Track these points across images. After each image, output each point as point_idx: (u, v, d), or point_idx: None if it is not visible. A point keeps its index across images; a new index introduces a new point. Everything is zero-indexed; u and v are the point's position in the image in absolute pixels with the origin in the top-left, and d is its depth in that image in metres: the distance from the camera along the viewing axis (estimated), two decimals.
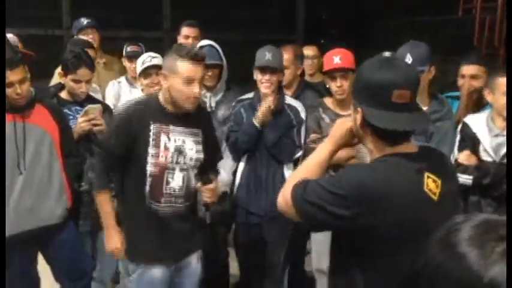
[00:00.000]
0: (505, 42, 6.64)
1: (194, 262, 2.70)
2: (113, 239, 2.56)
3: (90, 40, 4.06)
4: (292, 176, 1.71)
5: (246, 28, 6.81)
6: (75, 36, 4.18)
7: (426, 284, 0.89)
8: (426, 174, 1.53)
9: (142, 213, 2.51)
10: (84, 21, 4.26)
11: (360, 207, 1.46)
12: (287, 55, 3.43)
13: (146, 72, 3.38)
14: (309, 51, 4.24)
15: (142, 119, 2.46)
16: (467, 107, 3.12)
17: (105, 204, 2.57)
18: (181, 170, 2.53)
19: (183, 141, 2.52)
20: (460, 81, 3.20)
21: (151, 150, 2.45)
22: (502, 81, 2.65)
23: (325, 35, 6.23)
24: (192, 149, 2.54)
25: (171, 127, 2.49)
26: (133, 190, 2.51)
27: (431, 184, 1.53)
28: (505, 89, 2.61)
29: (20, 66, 2.60)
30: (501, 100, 2.65)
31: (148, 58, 3.42)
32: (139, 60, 3.48)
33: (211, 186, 2.60)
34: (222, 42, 3.45)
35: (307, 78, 4.15)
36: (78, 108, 3.08)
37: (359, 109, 1.56)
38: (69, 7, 7.07)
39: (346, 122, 1.70)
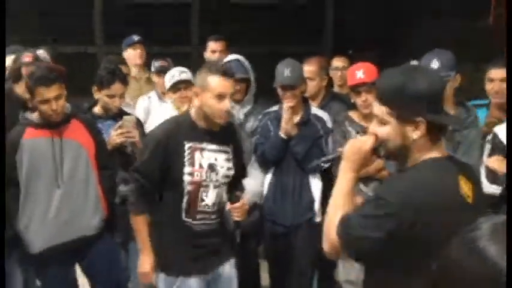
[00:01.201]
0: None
1: (227, 270, 2.72)
2: (145, 264, 2.59)
3: (137, 55, 4.34)
4: (327, 217, 1.67)
5: (273, 41, 6.84)
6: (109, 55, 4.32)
7: (443, 280, 0.89)
8: (460, 177, 1.56)
9: (177, 229, 2.56)
10: (135, 38, 4.43)
11: (408, 218, 1.46)
12: (312, 67, 3.48)
13: (175, 87, 3.43)
14: (338, 62, 4.25)
15: (176, 139, 2.51)
16: (499, 109, 3.09)
17: (142, 228, 2.58)
18: (215, 187, 2.58)
19: (215, 159, 2.57)
20: (489, 86, 3.16)
21: (187, 169, 2.50)
22: None
23: (353, 46, 6.19)
24: (223, 167, 2.59)
25: (204, 144, 2.54)
26: (169, 207, 2.55)
27: (465, 187, 1.55)
28: None
29: (56, 83, 2.70)
30: None
31: (177, 73, 3.48)
32: (168, 75, 3.55)
33: (239, 204, 2.64)
34: (249, 56, 3.49)
35: (336, 89, 4.15)
36: (110, 122, 3.17)
37: (419, 119, 1.55)
38: (102, 24, 7.22)
39: (362, 143, 1.67)
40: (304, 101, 3.27)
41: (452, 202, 1.52)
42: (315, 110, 3.29)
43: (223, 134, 2.60)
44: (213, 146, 2.57)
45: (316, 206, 3.19)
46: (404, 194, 1.50)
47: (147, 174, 2.52)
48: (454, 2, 6.79)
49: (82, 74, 3.77)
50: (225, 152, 2.62)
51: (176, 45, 6.93)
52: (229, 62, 3.34)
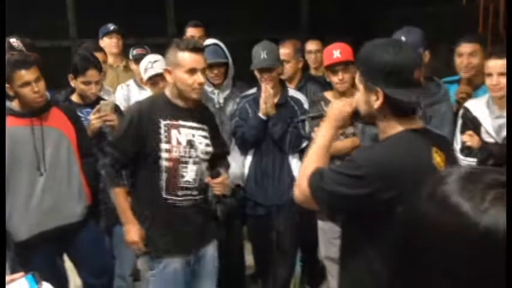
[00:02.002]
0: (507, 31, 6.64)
1: (211, 251, 2.78)
2: (132, 234, 2.63)
3: (113, 44, 4.33)
4: (302, 167, 1.76)
5: (249, 27, 6.87)
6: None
7: (415, 238, 0.87)
8: (433, 148, 1.61)
9: (158, 207, 2.59)
10: (111, 26, 4.44)
11: (377, 184, 1.52)
12: (287, 50, 3.55)
13: (152, 80, 3.44)
14: (312, 45, 4.30)
15: (151, 116, 2.55)
16: (468, 84, 3.18)
17: (122, 200, 2.63)
18: (194, 163, 2.62)
19: (193, 135, 2.61)
20: (458, 60, 3.23)
21: (164, 146, 2.54)
22: (489, 63, 2.76)
23: (329, 31, 6.26)
24: (202, 143, 2.64)
25: (181, 122, 2.59)
26: (149, 185, 2.59)
27: (438, 158, 1.61)
28: (495, 70, 2.71)
29: (34, 65, 2.71)
30: (488, 81, 2.76)
31: (149, 65, 3.47)
32: (142, 65, 3.54)
33: (219, 179, 2.68)
34: (226, 42, 3.51)
35: (312, 71, 4.21)
36: (89, 110, 3.18)
37: (379, 90, 1.62)
38: (75, 17, 7.15)
39: (344, 105, 1.76)
40: (281, 83, 3.33)
41: (424, 172, 1.55)
42: (291, 91, 3.35)
43: (199, 112, 2.65)
44: (190, 123, 2.61)
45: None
46: (375, 162, 1.56)
47: (121, 149, 2.58)
48: None
49: (57, 68, 3.73)
50: (202, 129, 2.66)
51: (153, 36, 6.91)
52: (207, 46, 3.37)
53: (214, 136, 2.76)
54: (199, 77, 2.51)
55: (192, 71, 2.50)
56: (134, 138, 2.55)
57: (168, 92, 2.62)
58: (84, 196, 2.94)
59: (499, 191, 0.81)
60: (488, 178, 0.83)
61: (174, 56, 2.51)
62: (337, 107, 1.78)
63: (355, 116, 1.77)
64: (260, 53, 3.17)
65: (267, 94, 3.13)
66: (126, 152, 2.58)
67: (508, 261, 0.77)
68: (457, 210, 0.81)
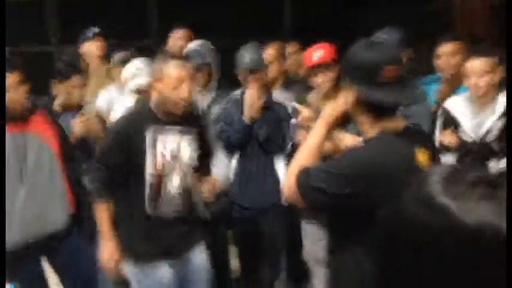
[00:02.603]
0: (489, 29, 6.75)
1: (197, 255, 2.75)
2: (107, 252, 2.61)
3: (97, 48, 4.20)
4: (292, 163, 1.78)
5: (231, 31, 6.88)
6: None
7: (402, 239, 0.88)
8: (417, 148, 1.63)
9: (141, 218, 2.57)
10: (94, 30, 4.37)
11: (360, 184, 1.55)
12: (271, 51, 3.54)
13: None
14: (293, 48, 4.30)
15: (136, 128, 2.52)
16: (448, 83, 3.22)
17: (103, 216, 2.60)
18: (179, 173, 2.61)
19: (178, 145, 2.59)
20: (438, 60, 3.26)
21: (148, 158, 2.52)
22: (468, 63, 2.80)
23: (311, 34, 6.30)
24: (187, 151, 2.62)
25: (165, 133, 2.57)
26: (133, 197, 2.57)
27: (421, 157, 1.63)
28: (470, 70, 2.76)
29: (15, 70, 2.67)
30: (467, 81, 2.80)
31: (136, 72, 3.40)
32: (127, 71, 3.51)
33: (207, 184, 2.67)
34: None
35: (291, 74, 4.21)
36: (72, 115, 3.15)
37: (353, 87, 1.66)
38: (56, 22, 7.10)
39: (337, 105, 1.78)
40: (266, 86, 3.33)
41: (406, 173, 1.58)
42: (275, 94, 3.37)
43: (186, 120, 2.63)
44: (175, 133, 2.59)
45: (282, 188, 3.27)
46: (357, 163, 1.59)
47: (107, 163, 2.55)
48: None
49: (39, 73, 3.70)
50: (188, 133, 2.64)
51: (135, 39, 6.88)
52: (193, 47, 3.38)
53: (202, 139, 2.75)
54: (184, 92, 2.49)
55: (176, 86, 2.48)
56: (120, 151, 2.52)
57: (152, 102, 2.59)
58: (67, 203, 2.91)
59: (482, 189, 0.82)
60: (470, 177, 0.85)
61: (159, 70, 2.50)
62: (331, 108, 1.80)
63: (348, 117, 1.79)
64: (246, 54, 3.19)
65: (252, 98, 3.14)
66: (112, 165, 2.55)
67: (508, 262, 0.79)
68: (445, 211, 0.82)
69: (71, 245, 2.93)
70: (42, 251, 2.91)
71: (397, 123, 1.70)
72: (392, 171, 1.53)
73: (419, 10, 6.98)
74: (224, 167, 3.34)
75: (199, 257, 2.76)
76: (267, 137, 3.20)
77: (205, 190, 2.70)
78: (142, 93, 3.35)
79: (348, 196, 1.56)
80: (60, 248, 2.91)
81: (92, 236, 3.16)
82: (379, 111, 1.66)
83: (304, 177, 1.65)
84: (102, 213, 2.60)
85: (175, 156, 2.58)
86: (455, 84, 3.21)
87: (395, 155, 1.59)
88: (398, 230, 0.89)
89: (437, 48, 3.29)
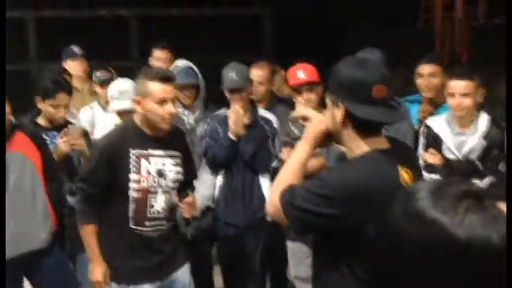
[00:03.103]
0: (466, 47, 6.93)
1: (181, 275, 2.71)
2: (97, 273, 2.55)
3: (78, 67, 4.29)
4: (276, 181, 1.76)
5: (213, 50, 6.93)
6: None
7: (395, 257, 0.88)
8: (400, 167, 1.63)
9: (126, 237, 2.54)
10: (74, 48, 4.38)
11: (345, 206, 1.54)
12: (260, 71, 3.57)
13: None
14: (277, 67, 4.34)
15: (121, 147, 2.50)
16: (429, 103, 3.28)
17: (91, 238, 2.55)
18: (164, 192, 2.58)
19: (163, 164, 2.57)
20: (419, 81, 3.33)
21: (133, 176, 2.49)
22: (451, 84, 2.86)
23: (291, 55, 6.41)
24: (172, 171, 2.60)
25: (150, 151, 2.54)
26: (117, 215, 2.53)
27: (405, 176, 1.63)
28: (457, 91, 2.81)
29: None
30: (450, 101, 2.85)
31: (117, 94, 3.38)
32: (109, 92, 3.47)
33: (189, 200, 2.65)
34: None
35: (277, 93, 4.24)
36: (55, 133, 3.12)
37: (340, 105, 1.64)
38: (36, 41, 7.08)
39: (321, 123, 1.77)
40: (251, 103, 3.35)
41: (392, 192, 1.58)
42: (262, 112, 3.38)
43: (171, 139, 2.61)
44: (160, 152, 2.57)
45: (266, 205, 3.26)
46: (343, 185, 1.57)
47: (93, 183, 2.51)
48: (383, 13, 7.15)
49: (17, 91, 3.63)
50: (173, 156, 2.62)
51: (116, 60, 6.88)
52: (179, 67, 3.39)
53: (187, 161, 2.73)
54: (170, 107, 2.47)
55: (162, 101, 2.46)
56: (106, 170, 2.49)
57: (137, 120, 2.56)
58: (49, 221, 2.85)
59: (469, 201, 0.84)
60: (455, 190, 0.86)
61: (144, 86, 2.47)
62: (314, 126, 1.78)
63: (331, 135, 1.78)
64: (230, 74, 3.20)
65: (236, 115, 3.15)
66: (98, 185, 2.51)
67: (508, 262, 0.80)
68: (435, 225, 0.83)
69: (52, 263, 2.87)
70: (23, 269, 2.84)
71: (382, 141, 1.70)
72: (379, 192, 1.52)
73: (400, 32, 7.13)
74: (208, 185, 3.32)
75: (184, 277, 2.72)
76: (253, 154, 3.20)
77: (186, 208, 2.66)
78: (125, 114, 3.30)
79: (333, 217, 1.55)
80: (42, 266, 2.85)
81: (74, 254, 3.11)
82: (366, 129, 1.65)
83: (289, 196, 1.62)
84: (89, 235, 2.55)
85: (161, 173, 2.56)
86: (436, 103, 3.29)
87: (381, 176, 1.58)
88: (388, 246, 0.90)
89: (418, 69, 3.36)
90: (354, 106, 1.61)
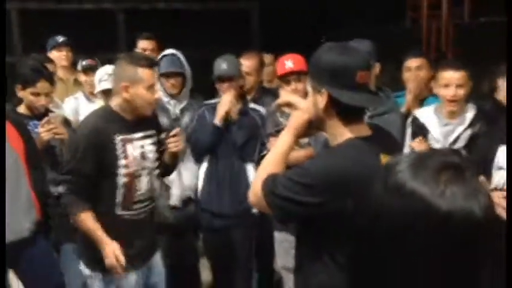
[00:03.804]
0: (451, 45, 7.01)
1: (157, 262, 2.76)
2: (111, 254, 2.46)
3: (63, 57, 4.27)
4: (259, 170, 1.77)
5: (200, 43, 6.90)
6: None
7: (375, 231, 0.87)
8: (382, 155, 1.62)
9: (113, 224, 2.51)
10: (60, 38, 4.36)
11: (327, 194, 1.53)
12: (250, 62, 3.59)
13: (105, 92, 3.36)
14: (266, 59, 4.34)
15: (106, 133, 2.48)
16: (416, 96, 3.33)
17: (91, 223, 2.49)
18: (147, 174, 2.60)
19: (142, 146, 2.58)
20: (406, 74, 3.43)
21: (121, 162, 2.49)
22: (445, 75, 2.88)
23: (281, 49, 6.41)
24: (152, 151, 2.62)
25: (132, 135, 2.55)
26: (104, 202, 2.51)
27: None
28: (452, 82, 2.83)
29: None
30: (444, 92, 2.87)
31: (105, 76, 3.38)
32: (97, 76, 3.48)
33: (176, 131, 2.69)
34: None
35: (265, 84, 4.24)
36: (36, 122, 3.07)
37: (323, 91, 1.63)
38: (20, 33, 6.99)
39: (303, 113, 1.76)
40: (242, 95, 3.35)
41: (373, 179, 1.58)
42: (251, 104, 3.39)
43: (146, 119, 2.62)
44: (140, 134, 2.58)
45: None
46: (324, 172, 1.57)
47: (82, 173, 2.46)
48: (371, 10, 7.19)
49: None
50: (150, 136, 2.63)
51: (104, 53, 6.81)
52: (164, 55, 3.37)
53: (161, 140, 2.73)
54: (156, 92, 2.53)
55: (150, 87, 2.49)
56: (93, 158, 2.45)
57: (115, 105, 2.54)
58: (33, 210, 2.82)
59: (449, 172, 0.83)
60: (436, 162, 0.85)
61: (133, 72, 2.46)
62: (297, 115, 1.78)
63: (313, 125, 1.77)
64: (221, 63, 3.21)
65: (226, 101, 3.15)
66: (87, 174, 2.46)
67: (508, 259, 0.79)
68: (415, 196, 0.82)
69: (36, 252, 2.83)
70: (7, 260, 2.77)
71: (365, 129, 1.70)
72: (359, 179, 1.48)
73: (389, 29, 7.18)
74: (192, 172, 3.32)
75: (159, 263, 2.77)
76: (244, 142, 3.20)
77: (173, 141, 2.68)
78: (109, 96, 3.27)
79: (314, 205, 1.55)
80: (26, 256, 2.81)
81: (58, 244, 3.07)
82: (349, 115, 1.65)
83: (271, 185, 1.62)
84: (89, 221, 2.49)
85: (143, 156, 2.57)
86: (421, 96, 3.36)
87: (362, 163, 1.57)
88: (368, 223, 0.88)
89: (406, 63, 3.44)
90: (338, 92, 1.60)
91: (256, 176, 1.75)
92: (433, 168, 0.84)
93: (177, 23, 7.31)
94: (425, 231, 0.81)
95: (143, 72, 2.46)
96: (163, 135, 2.77)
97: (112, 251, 2.46)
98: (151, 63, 2.52)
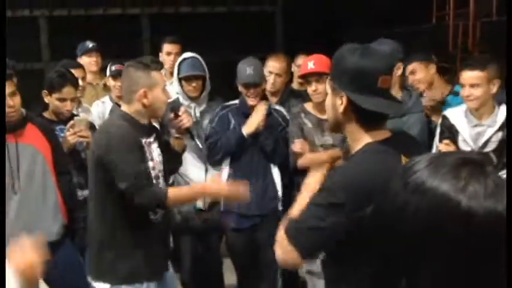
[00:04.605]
0: (479, 45, 6.88)
1: (171, 269, 2.73)
2: (230, 189, 2.51)
3: (93, 62, 4.33)
4: (278, 233, 1.65)
5: (224, 46, 6.93)
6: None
7: (398, 231, 0.86)
8: (402, 156, 1.56)
9: (145, 229, 2.49)
10: (89, 44, 4.42)
11: (355, 206, 1.46)
12: (279, 64, 3.57)
13: None
14: (300, 60, 4.29)
15: (135, 136, 2.47)
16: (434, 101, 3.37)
17: (181, 191, 2.60)
18: (162, 176, 2.60)
19: (156, 149, 2.59)
20: (410, 78, 3.52)
21: (150, 164, 2.50)
22: (461, 75, 2.88)
23: (303, 50, 6.40)
24: (160, 154, 2.61)
25: (149, 139, 2.56)
26: (134, 208, 2.42)
27: None
28: (467, 81, 2.83)
29: (9, 79, 2.62)
30: (463, 92, 2.86)
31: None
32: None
33: (183, 109, 2.77)
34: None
35: (295, 86, 4.20)
36: (62, 127, 3.12)
37: (343, 94, 1.58)
38: (48, 40, 7.11)
39: (319, 176, 1.74)
40: (264, 97, 3.35)
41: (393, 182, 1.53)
42: (272, 104, 3.38)
43: (151, 124, 2.67)
44: (151, 139, 2.58)
45: (280, 193, 3.27)
46: (345, 183, 1.51)
47: (142, 171, 2.41)
48: (397, 10, 7.11)
49: (29, 90, 3.62)
50: (155, 140, 2.62)
51: (130, 57, 6.87)
52: (185, 59, 3.38)
53: (166, 146, 2.73)
54: (168, 94, 2.59)
55: (164, 88, 2.53)
56: (140, 158, 2.43)
57: (131, 111, 2.50)
58: (60, 215, 2.86)
59: (469, 168, 0.82)
60: (453, 159, 0.84)
61: (149, 77, 2.46)
62: (313, 178, 1.76)
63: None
64: (246, 68, 3.18)
65: (260, 113, 3.15)
66: (145, 173, 2.42)
67: (508, 261, 0.78)
68: (436, 193, 0.81)
69: (63, 256, 2.86)
70: None
71: (384, 133, 1.63)
72: (381, 183, 1.47)
73: (414, 29, 7.09)
74: (198, 173, 3.30)
75: (171, 270, 2.74)
76: (274, 148, 3.20)
77: (184, 118, 2.78)
78: None
79: (343, 223, 1.48)
80: (53, 260, 2.82)
81: (83, 248, 3.10)
82: (370, 121, 1.59)
83: (292, 224, 1.56)
84: (180, 191, 2.59)
85: (159, 160, 2.59)
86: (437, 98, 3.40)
87: (383, 167, 1.49)
88: (392, 223, 0.87)
89: (408, 67, 3.44)
90: (358, 96, 1.55)
91: (277, 237, 1.63)
92: (452, 164, 0.83)
93: (201, 26, 7.35)
94: (447, 228, 0.80)
95: (157, 75, 2.49)
96: (165, 138, 2.81)
97: (224, 186, 2.56)
98: (160, 65, 2.58)
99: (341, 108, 1.59)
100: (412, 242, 0.84)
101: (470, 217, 0.78)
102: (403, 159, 1.56)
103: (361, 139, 1.60)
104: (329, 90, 1.65)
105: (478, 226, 0.79)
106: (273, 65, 3.53)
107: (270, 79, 3.52)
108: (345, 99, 1.58)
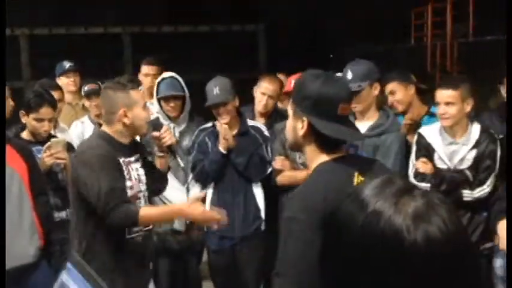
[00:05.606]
0: (456, 65, 7.01)
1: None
2: (196, 213, 2.45)
3: (70, 83, 4.27)
4: None
5: (208, 67, 6.95)
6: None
7: (343, 248, 0.86)
8: (356, 173, 1.63)
9: (121, 249, 2.49)
10: (67, 64, 4.39)
11: (316, 223, 1.47)
12: (273, 86, 3.55)
13: None
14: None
15: (113, 155, 2.47)
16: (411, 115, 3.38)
17: (152, 210, 2.55)
18: (143, 196, 2.59)
19: (137, 169, 2.58)
20: (389, 98, 3.47)
21: (128, 183, 2.48)
22: (436, 93, 2.93)
23: (285, 69, 6.45)
24: (142, 174, 2.61)
25: (129, 158, 2.55)
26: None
27: (358, 181, 1.61)
28: (442, 100, 2.86)
29: None
30: (439, 110, 2.89)
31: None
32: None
33: (165, 128, 2.76)
34: (185, 81, 3.52)
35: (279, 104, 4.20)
36: (40, 148, 3.09)
37: (304, 118, 1.65)
38: (29, 58, 7.08)
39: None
40: (239, 115, 3.36)
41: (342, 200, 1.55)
42: (250, 122, 3.39)
43: (134, 143, 2.66)
44: (132, 158, 2.58)
45: (262, 213, 3.27)
46: (302, 202, 1.59)
47: (120, 187, 2.40)
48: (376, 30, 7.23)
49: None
50: (138, 160, 2.62)
51: (111, 76, 6.87)
52: (164, 79, 3.39)
53: (151, 166, 2.73)
54: (148, 112, 2.60)
55: (144, 105, 2.55)
56: (117, 175, 2.42)
57: (110, 131, 2.52)
58: (36, 236, 2.81)
59: (412, 194, 0.83)
60: (402, 184, 0.86)
61: (128, 96, 2.47)
62: None
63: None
64: (213, 89, 3.21)
65: (224, 130, 3.16)
66: (120, 190, 2.40)
67: (508, 262, 0.77)
68: (375, 213, 0.82)
69: (40, 278, 2.81)
70: (11, 284, 2.74)
71: (339, 152, 1.70)
72: (333, 199, 1.47)
73: (394, 48, 7.21)
74: (177, 194, 3.25)
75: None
76: (246, 165, 3.19)
77: (165, 135, 2.74)
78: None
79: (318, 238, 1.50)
80: (28, 282, 2.79)
81: (59, 270, 3.05)
82: (328, 145, 1.67)
83: (276, 273, 1.60)
84: (151, 210, 2.54)
85: (139, 179, 2.58)
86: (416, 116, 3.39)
87: (334, 183, 1.58)
88: (338, 240, 0.88)
89: (389, 85, 3.43)
90: (319, 122, 1.63)
91: None
92: (398, 189, 0.84)
93: (184, 45, 7.39)
94: (386, 251, 0.80)
95: (135, 94, 2.51)
96: (149, 158, 2.80)
97: (196, 212, 2.45)
98: (137, 84, 2.60)
99: (301, 132, 1.67)
100: (356, 262, 0.83)
101: (405, 239, 0.78)
102: (356, 175, 1.62)
103: (316, 158, 1.68)
104: (290, 113, 1.72)
105: (414, 247, 0.78)
106: (267, 87, 3.52)
107: (263, 100, 3.51)
108: (305, 123, 1.65)
